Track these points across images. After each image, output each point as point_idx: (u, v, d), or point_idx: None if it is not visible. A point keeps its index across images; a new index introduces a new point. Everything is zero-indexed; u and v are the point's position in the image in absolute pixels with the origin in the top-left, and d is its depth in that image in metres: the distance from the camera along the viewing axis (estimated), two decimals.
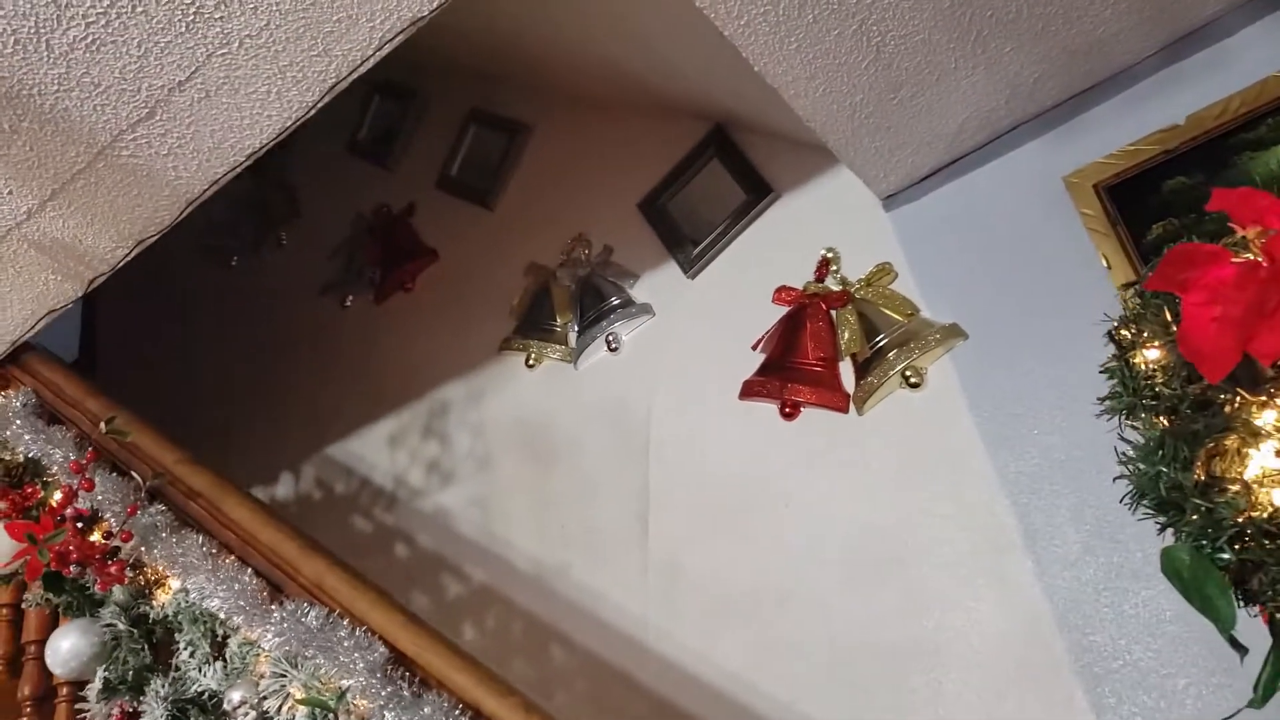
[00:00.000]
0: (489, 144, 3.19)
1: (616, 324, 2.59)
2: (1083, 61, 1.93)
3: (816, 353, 2.19)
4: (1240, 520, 0.90)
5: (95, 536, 1.57)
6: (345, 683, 1.29)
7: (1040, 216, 1.99)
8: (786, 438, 2.23)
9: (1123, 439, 1.04)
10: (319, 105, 1.55)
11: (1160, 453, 0.97)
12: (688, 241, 2.55)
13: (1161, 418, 0.98)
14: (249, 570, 1.50)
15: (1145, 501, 1.00)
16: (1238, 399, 0.93)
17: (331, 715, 1.26)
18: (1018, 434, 1.87)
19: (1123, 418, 1.03)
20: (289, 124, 1.56)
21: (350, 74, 1.48)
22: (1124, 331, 1.04)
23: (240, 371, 3.78)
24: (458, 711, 1.30)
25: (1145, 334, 1.01)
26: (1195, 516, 0.93)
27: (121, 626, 1.54)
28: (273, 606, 1.41)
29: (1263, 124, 1.80)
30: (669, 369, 2.50)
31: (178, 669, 1.50)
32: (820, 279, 2.28)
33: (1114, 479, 1.04)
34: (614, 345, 2.61)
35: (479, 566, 2.70)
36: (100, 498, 1.61)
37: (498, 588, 2.63)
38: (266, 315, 3.76)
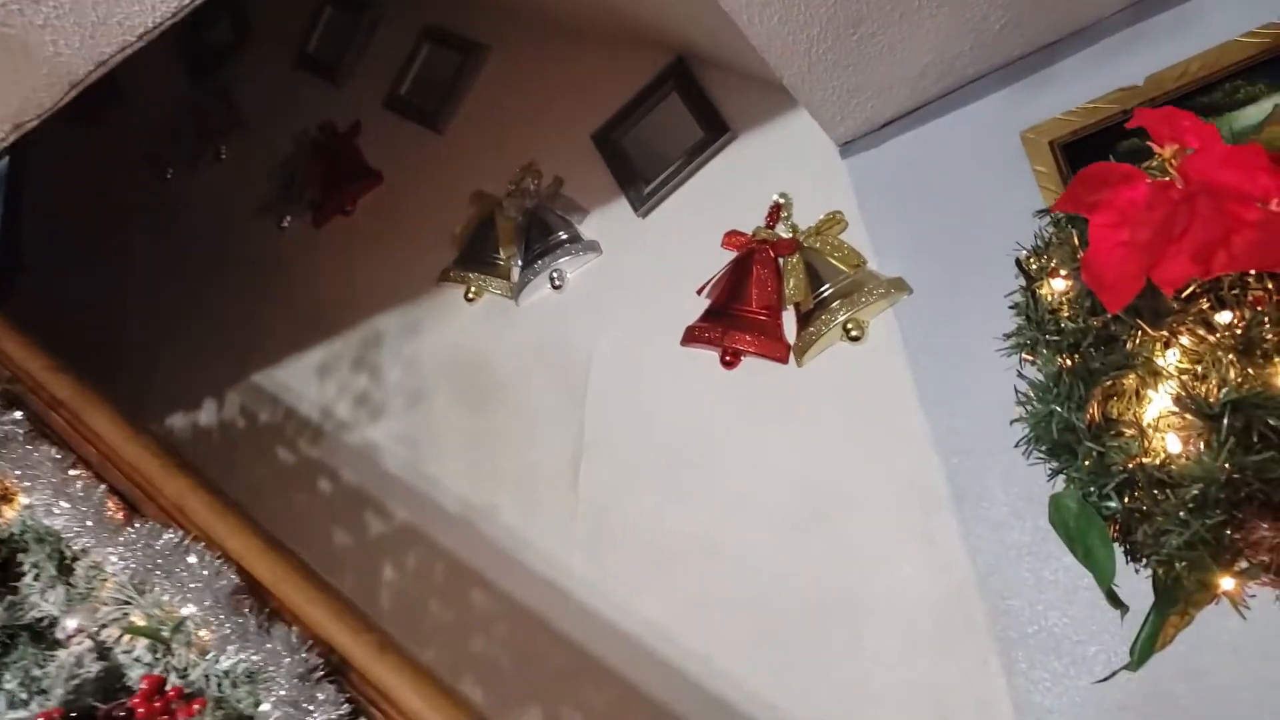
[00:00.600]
0: (442, 64, 3.03)
1: (562, 260, 2.49)
2: (1049, 11, 1.85)
3: (761, 300, 2.12)
4: (1130, 466, 0.84)
5: None
6: (186, 610, 1.20)
7: (995, 172, 1.92)
8: (725, 387, 2.16)
9: (1021, 376, 0.97)
10: None
11: (1055, 390, 0.90)
12: (640, 179, 2.44)
13: (1064, 356, 0.91)
14: (101, 487, 1.39)
15: (1039, 446, 0.93)
16: (1139, 334, 0.85)
17: (163, 646, 1.17)
18: (955, 392, 1.81)
19: (1024, 355, 0.97)
20: (185, 2, 1.41)
21: None
22: (1032, 261, 0.97)
23: (170, 289, 3.62)
24: (307, 647, 1.22)
25: (1053, 262, 0.93)
26: (1086, 462, 0.87)
27: None
28: (123, 528, 1.31)
29: (1219, 89, 1.73)
30: (614, 310, 2.41)
31: (17, 591, 1.39)
32: (771, 225, 2.20)
33: (1011, 421, 0.98)
34: (558, 283, 2.51)
35: (403, 505, 2.62)
36: None
37: (422, 527, 2.55)
38: (200, 232, 3.60)
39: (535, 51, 2.83)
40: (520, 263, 2.58)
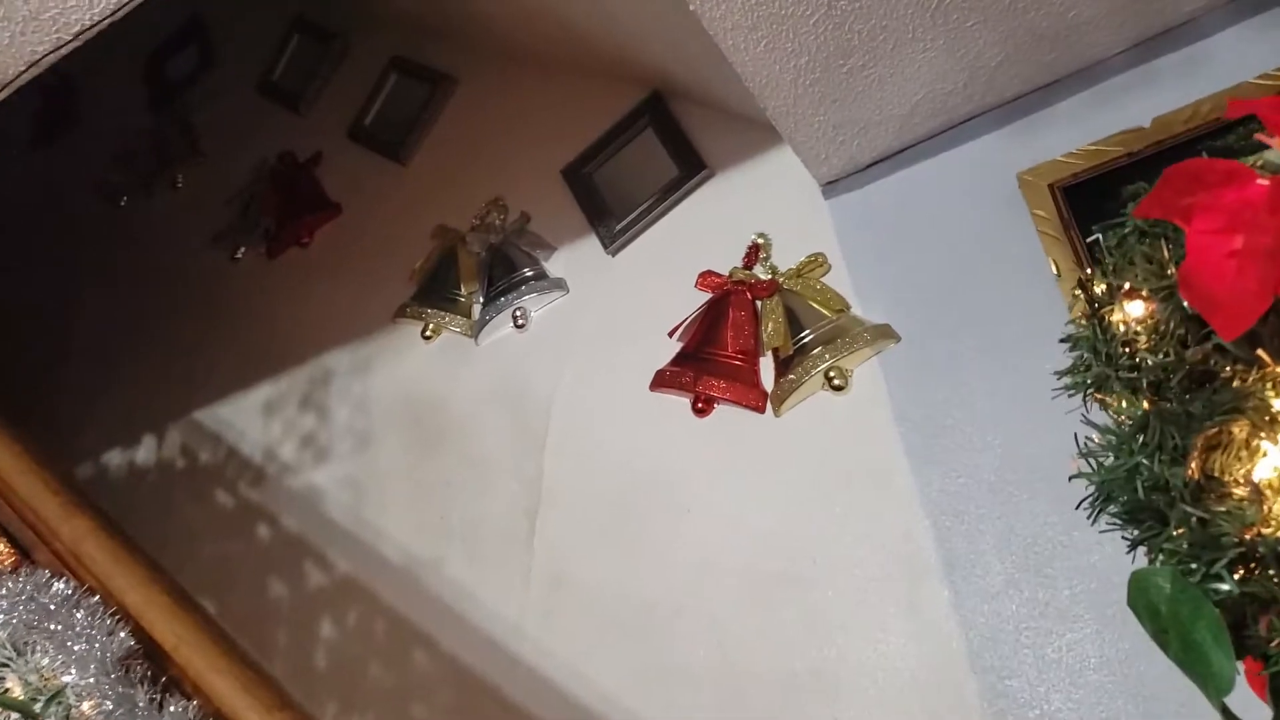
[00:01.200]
0: (409, 95, 2.92)
1: (526, 298, 2.34)
2: (1049, 49, 1.76)
3: (736, 344, 1.98)
4: (1247, 537, 0.67)
5: None
6: (66, 678, 1.01)
7: (990, 215, 1.81)
8: (696, 436, 2.01)
9: (1087, 422, 0.81)
10: None
11: (1140, 439, 0.74)
12: (611, 215, 2.32)
13: (1144, 397, 0.75)
14: None
15: (1112, 508, 0.77)
16: (1255, 370, 0.70)
17: None
18: (945, 449, 1.67)
19: (1088, 397, 0.81)
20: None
21: None
22: (1097, 281, 0.82)
23: (117, 318, 3.42)
24: None
25: (1127, 283, 0.79)
26: (1182, 530, 0.70)
27: None
28: (6, 576, 1.12)
29: (1232, 132, 1.64)
30: (578, 352, 2.26)
31: None
32: (749, 266, 2.08)
33: (1070, 477, 0.81)
34: (521, 321, 2.36)
35: (345, 555, 2.42)
36: None
37: (363, 580, 2.35)
38: (151, 262, 3.42)
39: (505, 84, 2.73)
40: (481, 300, 2.43)
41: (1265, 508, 0.66)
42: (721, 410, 1.99)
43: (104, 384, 3.31)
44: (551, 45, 2.58)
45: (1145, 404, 0.74)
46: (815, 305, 1.93)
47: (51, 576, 1.10)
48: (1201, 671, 0.68)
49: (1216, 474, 0.69)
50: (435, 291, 2.54)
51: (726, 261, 2.10)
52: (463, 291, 2.49)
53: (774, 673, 1.73)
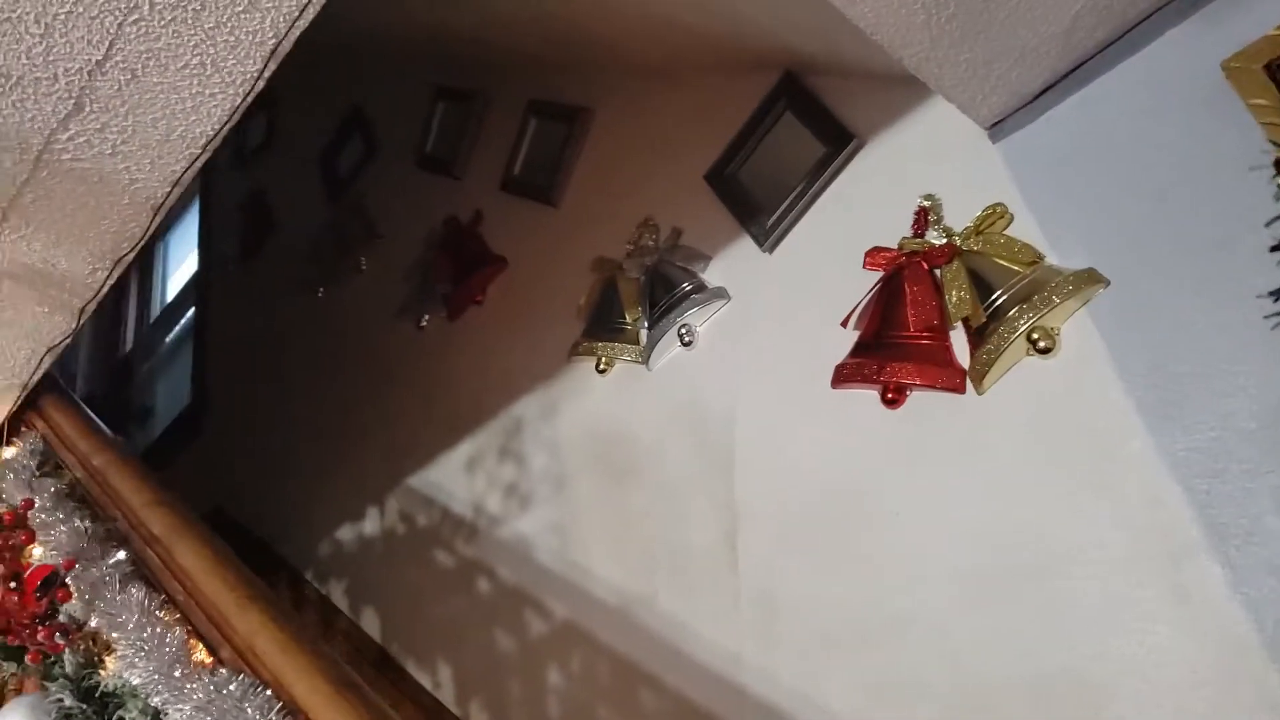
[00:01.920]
0: (550, 136, 2.94)
1: (689, 313, 2.26)
2: None
3: (920, 322, 1.80)
4: None
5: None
6: None
7: (1193, 120, 1.54)
8: (891, 431, 1.84)
9: None
10: (264, 75, 1.31)
11: None
12: (761, 211, 2.20)
13: None
14: (177, 632, 1.26)
15: None
16: None
17: None
18: (1186, 400, 1.42)
19: None
20: (237, 102, 1.32)
21: (289, 29, 1.23)
22: None
23: (329, 404, 3.67)
24: None
25: None
26: None
27: (69, 701, 1.34)
28: (191, 679, 1.16)
29: None
30: (750, 361, 2.15)
31: None
32: (919, 233, 1.89)
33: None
34: (687, 339, 2.28)
35: (560, 600, 2.42)
36: (55, 551, 1.42)
37: (581, 623, 2.34)
38: (350, 344, 3.65)
39: (638, 103, 2.68)
40: (647, 324, 2.37)
41: None
42: (915, 398, 1.81)
43: (330, 464, 3.54)
44: (676, 53, 2.50)
45: None
46: (1003, 262, 1.72)
47: (230, 675, 1.13)
48: None
49: None
50: (602, 324, 2.52)
51: (895, 234, 1.92)
52: (628, 319, 2.45)
53: (1020, 679, 1.53)
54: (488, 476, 2.80)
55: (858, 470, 1.87)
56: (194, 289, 5.08)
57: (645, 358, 2.36)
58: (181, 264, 5.53)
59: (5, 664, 1.48)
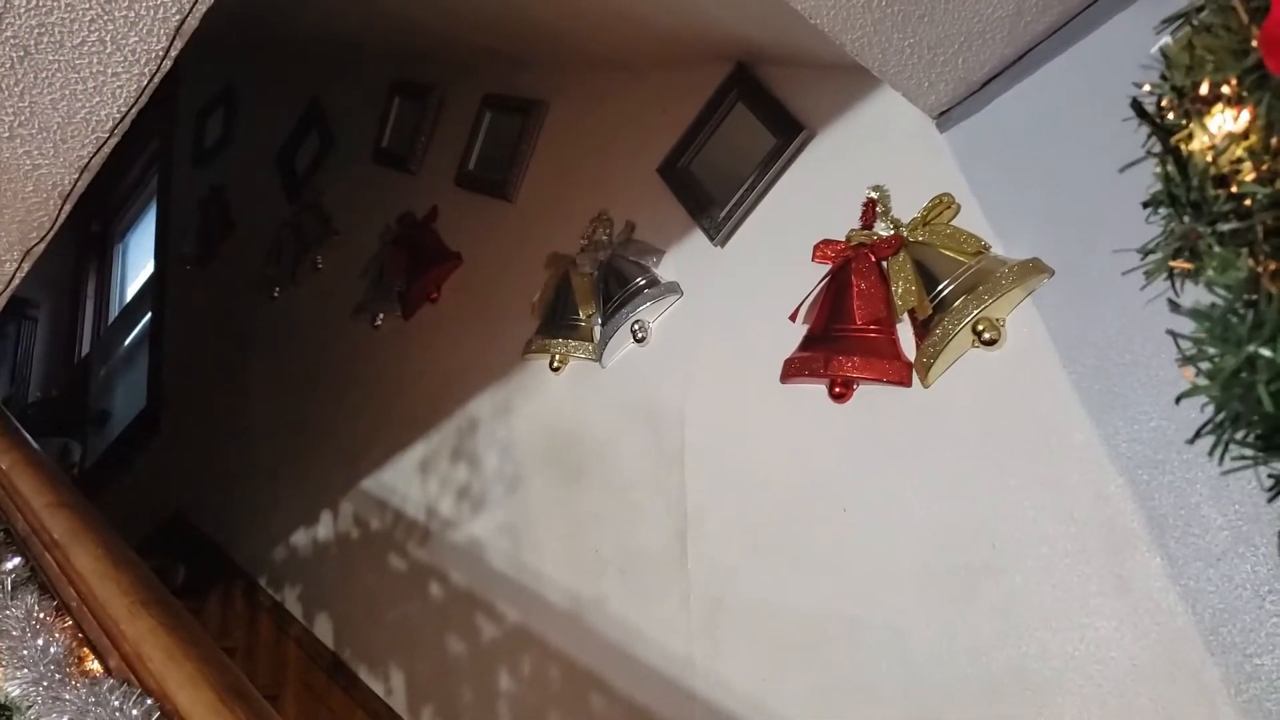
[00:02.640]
0: (505, 130, 2.89)
1: (641, 309, 2.22)
2: None
3: (866, 315, 1.76)
4: None
5: None
6: None
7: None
8: (839, 425, 1.80)
9: (1176, 308, 0.58)
10: (171, 54, 1.25)
11: (1245, 319, 0.50)
12: (713, 203, 2.16)
13: (1257, 256, 0.51)
14: (63, 640, 1.20)
15: (1236, 432, 0.53)
16: None
17: None
18: (1129, 391, 1.39)
19: (1174, 275, 0.58)
20: (144, 82, 1.26)
21: (193, 4, 1.18)
22: (1163, 98, 0.58)
23: (285, 407, 3.60)
24: None
25: (1203, 82, 0.55)
26: None
27: None
28: (71, 688, 1.10)
29: None
30: (702, 356, 2.11)
31: None
32: (867, 225, 1.85)
33: (1178, 398, 0.58)
34: (640, 335, 2.23)
35: (512, 604, 2.36)
36: None
37: (532, 627, 2.28)
38: (307, 346, 3.58)
39: (592, 97, 2.63)
40: (600, 320, 2.33)
41: None
42: (863, 392, 1.78)
43: (286, 468, 3.47)
44: (630, 45, 2.46)
45: (1250, 261, 0.50)
46: (948, 253, 1.68)
47: (115, 684, 1.07)
48: None
49: None
50: (556, 321, 2.47)
51: (845, 226, 1.88)
52: (581, 316, 2.40)
53: (969, 680, 1.49)
54: (441, 478, 2.74)
55: (806, 466, 1.83)
56: (151, 291, 4.98)
57: (599, 355, 2.31)
58: (140, 266, 5.43)
59: None
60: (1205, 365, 0.54)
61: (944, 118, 1.78)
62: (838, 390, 1.80)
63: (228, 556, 3.56)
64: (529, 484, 2.44)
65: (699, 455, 2.04)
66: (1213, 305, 0.54)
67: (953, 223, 1.72)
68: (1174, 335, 0.58)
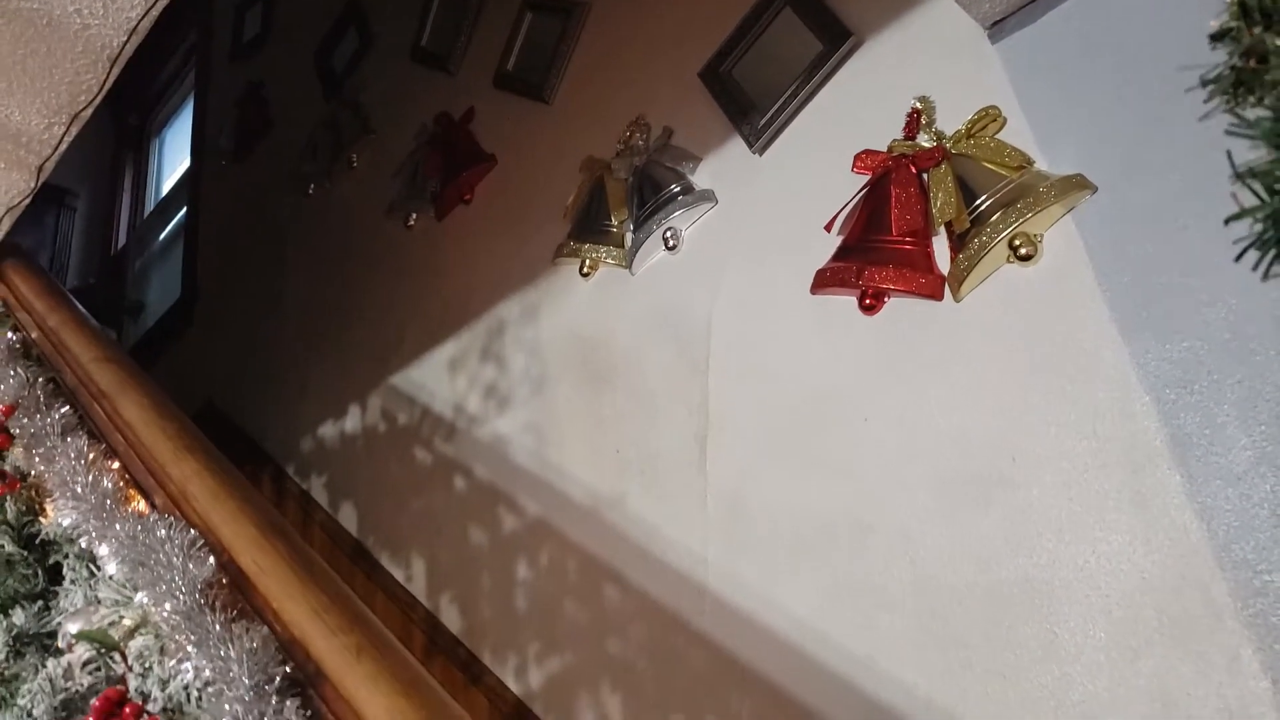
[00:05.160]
0: (544, 31, 2.84)
1: (674, 216, 2.21)
2: None
3: (902, 225, 1.75)
4: None
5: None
6: (156, 611, 1.01)
7: (1203, 22, 1.46)
8: (867, 337, 1.81)
9: (1234, 130, 0.58)
10: None
11: None
12: (754, 110, 2.13)
13: None
14: (112, 478, 1.26)
15: None
16: None
17: (116, 654, 1.00)
18: (1164, 312, 1.38)
19: (1238, 93, 0.58)
20: None
21: None
22: None
23: (317, 303, 3.64)
24: (272, 656, 1.00)
25: None
26: None
27: (10, 547, 1.34)
28: (121, 520, 1.16)
29: None
30: (733, 266, 2.11)
31: (53, 596, 1.28)
32: (910, 136, 1.83)
33: (1226, 219, 0.59)
34: (672, 243, 2.23)
35: (533, 499, 2.42)
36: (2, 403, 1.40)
37: (552, 521, 2.34)
38: (340, 243, 3.60)
39: None
40: (632, 226, 2.33)
41: None
42: (893, 304, 1.78)
43: (316, 361, 3.53)
44: None
45: None
46: (991, 166, 1.66)
47: (160, 518, 1.12)
48: None
49: None
50: (588, 226, 2.47)
51: (888, 137, 1.86)
52: (613, 221, 2.40)
53: (976, 586, 1.53)
54: (469, 376, 2.78)
55: (831, 377, 1.85)
56: (187, 185, 5.02)
57: (629, 261, 2.31)
58: (176, 160, 5.45)
59: None
60: (1258, 185, 0.55)
61: (996, 28, 1.73)
62: (868, 302, 1.80)
63: (258, 445, 3.65)
64: (554, 385, 2.48)
65: (723, 363, 2.06)
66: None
67: (998, 136, 1.69)
68: (1229, 156, 0.58)
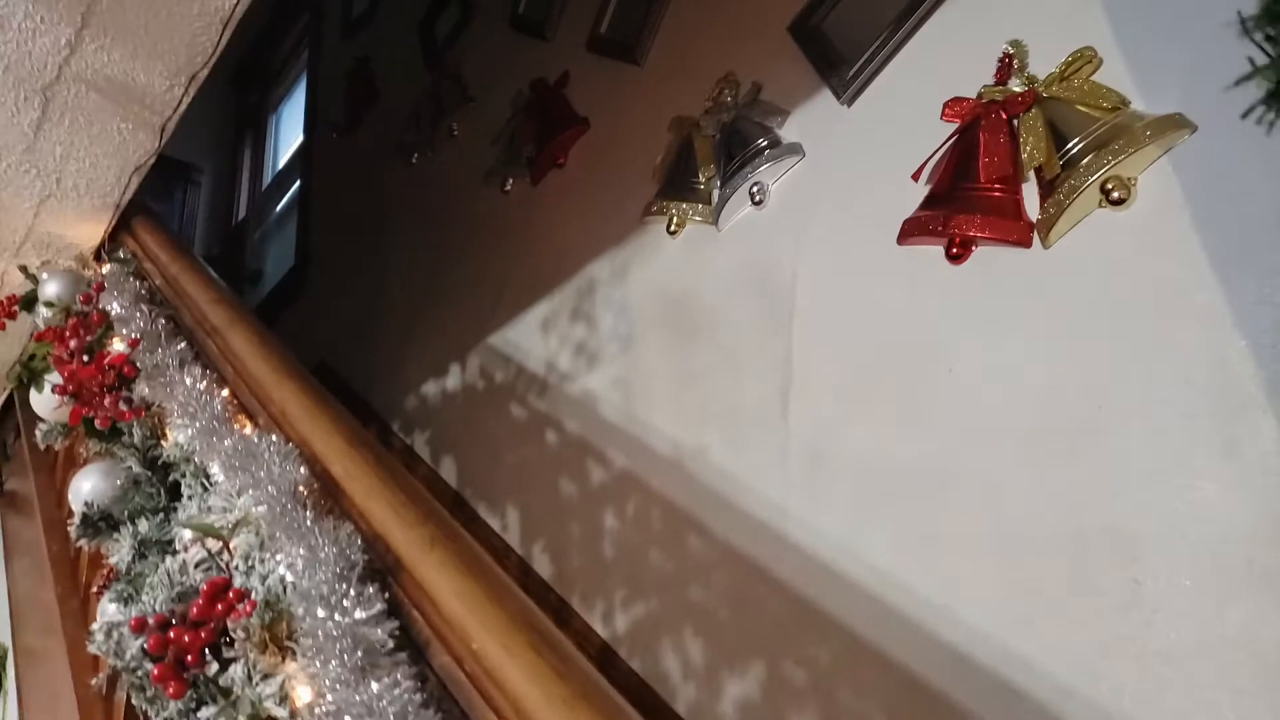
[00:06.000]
0: None
1: (761, 170, 2.22)
2: None
3: (991, 172, 1.72)
4: None
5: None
6: (257, 510, 1.11)
7: None
8: (954, 287, 1.78)
9: None
10: None
11: None
12: (843, 62, 2.11)
13: None
14: (219, 401, 1.37)
15: None
16: None
17: (221, 545, 1.09)
18: (1264, 252, 1.33)
19: None
20: None
21: None
22: None
23: (420, 268, 3.78)
24: (356, 545, 1.09)
25: None
26: None
27: (136, 468, 1.47)
28: (228, 435, 1.26)
29: None
30: (820, 218, 2.11)
31: (173, 510, 1.41)
32: (1001, 81, 1.79)
33: (1237, 80, 0.56)
34: (758, 197, 2.24)
35: (621, 451, 2.48)
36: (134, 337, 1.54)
37: (638, 472, 2.40)
38: (441, 209, 3.73)
39: None
40: (719, 182, 2.34)
41: None
42: (981, 253, 1.75)
43: (419, 324, 3.68)
44: None
45: None
46: (1084, 109, 1.61)
47: (262, 434, 1.23)
48: None
49: None
50: (676, 184, 2.50)
51: (977, 86, 1.82)
52: (701, 178, 2.42)
53: (1060, 535, 1.50)
54: (560, 335, 2.86)
55: (915, 328, 1.83)
56: (301, 159, 5.26)
57: (715, 218, 2.33)
58: (291, 135, 5.71)
59: (89, 441, 1.63)
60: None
61: None
62: (955, 251, 1.78)
63: (365, 403, 3.83)
64: (641, 342, 2.52)
65: (807, 316, 2.07)
66: None
67: (1093, 78, 1.64)
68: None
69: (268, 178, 5.88)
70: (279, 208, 5.53)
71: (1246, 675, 1.27)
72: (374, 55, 4.68)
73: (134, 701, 1.15)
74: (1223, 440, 1.33)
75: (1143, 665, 1.35)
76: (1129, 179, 1.53)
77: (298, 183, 5.25)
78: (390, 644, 1.01)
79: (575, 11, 3.20)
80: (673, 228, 2.47)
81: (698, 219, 2.41)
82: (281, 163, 5.76)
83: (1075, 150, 1.59)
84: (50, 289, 2.05)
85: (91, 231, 2.14)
